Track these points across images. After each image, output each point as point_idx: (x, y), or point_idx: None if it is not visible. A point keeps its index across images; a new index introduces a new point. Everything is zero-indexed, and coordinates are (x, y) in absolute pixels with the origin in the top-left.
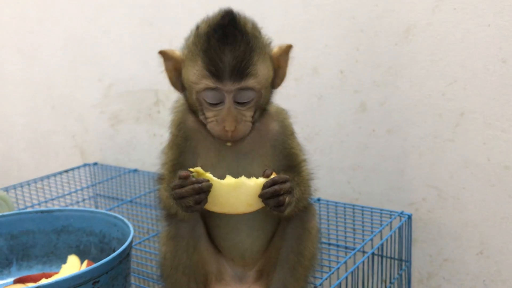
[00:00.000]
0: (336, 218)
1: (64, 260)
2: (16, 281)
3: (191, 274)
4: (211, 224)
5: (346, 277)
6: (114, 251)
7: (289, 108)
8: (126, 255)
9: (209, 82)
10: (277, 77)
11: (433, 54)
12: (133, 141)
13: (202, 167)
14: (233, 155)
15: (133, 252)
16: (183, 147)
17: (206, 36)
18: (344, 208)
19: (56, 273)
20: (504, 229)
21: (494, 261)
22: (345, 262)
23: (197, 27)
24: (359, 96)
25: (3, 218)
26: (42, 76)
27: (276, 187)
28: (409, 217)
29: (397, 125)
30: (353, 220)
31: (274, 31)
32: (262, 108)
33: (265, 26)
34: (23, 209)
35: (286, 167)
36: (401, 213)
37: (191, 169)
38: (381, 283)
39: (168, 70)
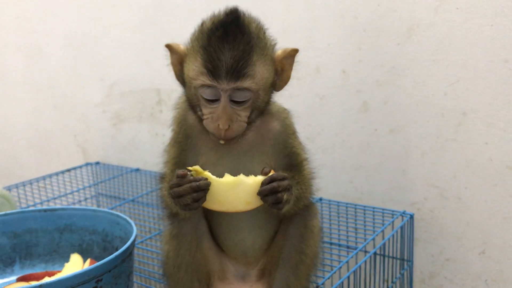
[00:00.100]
0: (338, 217)
1: (66, 259)
2: (19, 279)
3: (194, 273)
4: (214, 223)
5: (348, 277)
6: (116, 250)
7: (291, 108)
8: (129, 254)
9: (205, 79)
10: (280, 80)
11: (436, 54)
12: (135, 141)
13: (203, 165)
14: (233, 153)
15: (135, 251)
16: (184, 145)
17: (208, 33)
18: (346, 207)
19: (59, 271)
20: (506, 229)
21: (496, 260)
22: (347, 262)
23: (202, 24)
24: (362, 95)
25: (6, 217)
26: (44, 75)
27: (274, 184)
28: (411, 216)
29: (399, 125)
30: (355, 220)
31: (276, 30)
32: (259, 109)
33: (267, 26)
34: (25, 208)
35: (288, 166)
36: (403, 212)
37: (190, 168)
38: (383, 282)
39: (173, 63)
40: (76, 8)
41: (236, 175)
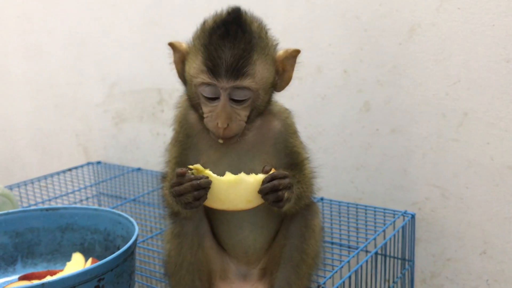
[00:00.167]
0: (340, 217)
1: (68, 258)
2: (21, 278)
3: (196, 272)
4: (215, 222)
5: (349, 277)
6: (118, 249)
7: (293, 108)
8: (131, 253)
9: (205, 77)
10: (281, 81)
11: (437, 54)
12: (136, 140)
13: (203, 165)
14: (234, 152)
15: (136, 250)
16: (185, 144)
17: (210, 32)
18: (348, 207)
19: (61, 270)
20: (508, 229)
21: (497, 260)
22: (348, 262)
23: (204, 22)
24: (363, 95)
25: (8, 216)
26: (46, 75)
27: (275, 182)
28: (413, 216)
29: (400, 125)
30: (356, 220)
31: (277, 30)
32: (259, 108)
33: (268, 25)
34: (27, 207)
35: (288, 165)
36: (405, 212)
37: (191, 166)
38: (384, 282)
39: (175, 62)
40: (78, 8)
41: (237, 174)
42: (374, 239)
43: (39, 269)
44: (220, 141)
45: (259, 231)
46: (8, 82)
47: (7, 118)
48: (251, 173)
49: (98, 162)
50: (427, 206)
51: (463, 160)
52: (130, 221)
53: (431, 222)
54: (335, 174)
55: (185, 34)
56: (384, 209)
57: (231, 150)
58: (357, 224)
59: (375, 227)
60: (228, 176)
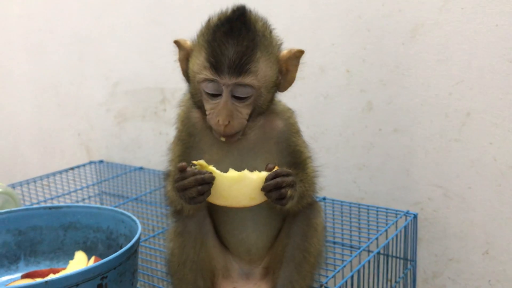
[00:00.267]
0: (342, 217)
1: (71, 256)
2: (24, 276)
3: (198, 271)
4: (218, 220)
5: (352, 276)
6: (121, 247)
7: (295, 107)
8: (134, 251)
9: (208, 73)
10: (284, 81)
11: (440, 54)
12: (138, 139)
13: (206, 163)
14: (237, 151)
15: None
16: (188, 143)
17: (214, 29)
18: (350, 207)
19: (63, 269)
20: (510, 229)
21: (500, 261)
22: (350, 261)
23: (209, 19)
24: (366, 95)
25: (11, 214)
26: (49, 74)
27: (278, 179)
28: (415, 216)
29: (403, 125)
30: (359, 219)
31: (280, 30)
32: (261, 107)
33: (271, 25)
34: (29, 205)
35: (291, 164)
36: (407, 212)
37: (195, 162)
38: (386, 282)
39: (180, 60)
40: (80, 7)
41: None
42: (376, 239)
43: (42, 267)
44: (222, 139)
45: (262, 230)
46: (11, 81)
47: (9, 117)
48: (254, 171)
49: (100, 161)
50: (429, 206)
51: (466, 160)
52: (133, 220)
53: (434, 222)
54: (337, 174)
55: (187, 34)
56: (387, 209)
57: (233, 149)
58: (359, 224)
59: (377, 227)
60: (232, 172)
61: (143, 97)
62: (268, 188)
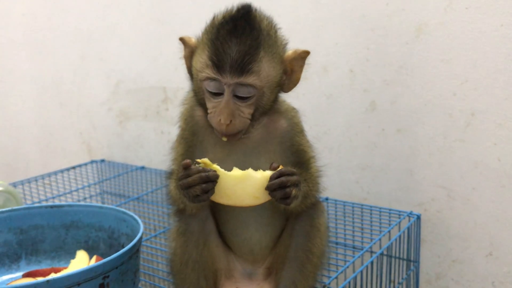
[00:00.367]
0: (344, 217)
1: (72, 255)
2: (25, 276)
3: (201, 270)
4: (221, 220)
5: (354, 277)
6: (123, 247)
7: (298, 107)
8: (136, 251)
9: (210, 72)
10: (289, 81)
11: (444, 54)
12: (140, 139)
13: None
14: (240, 150)
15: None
16: (191, 142)
17: (218, 27)
18: (353, 207)
19: (65, 268)
20: None
21: (504, 262)
22: (353, 262)
23: (213, 17)
24: (369, 95)
25: (12, 213)
26: (51, 72)
27: (283, 178)
28: (418, 217)
29: (407, 125)
30: (361, 220)
31: (284, 29)
32: (264, 107)
33: (277, 24)
34: (31, 204)
35: (295, 163)
36: (410, 213)
37: (199, 160)
38: (389, 283)
39: (185, 57)
40: (83, 6)
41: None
42: (379, 239)
43: (43, 266)
44: (224, 139)
45: (265, 230)
46: (13, 80)
47: (11, 115)
48: (259, 170)
49: (102, 160)
50: (433, 207)
51: (470, 160)
52: (135, 219)
53: (437, 223)
54: (340, 174)
55: (190, 33)
56: (390, 209)
57: (237, 148)
58: (362, 224)
59: (380, 227)
60: (236, 171)
61: (145, 96)
62: (273, 187)
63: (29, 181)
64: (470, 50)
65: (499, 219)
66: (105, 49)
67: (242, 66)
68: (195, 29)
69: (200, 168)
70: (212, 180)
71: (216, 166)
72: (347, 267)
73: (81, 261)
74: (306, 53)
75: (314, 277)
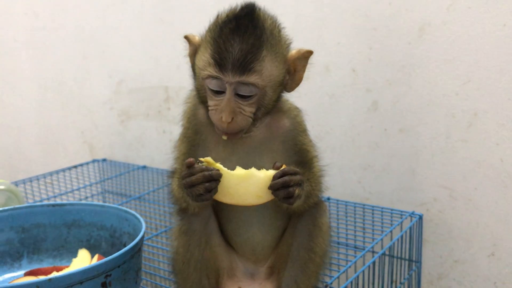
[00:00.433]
0: (346, 217)
1: (74, 254)
2: (27, 274)
3: (203, 270)
4: (223, 220)
5: (356, 277)
6: (125, 245)
7: (300, 106)
8: (138, 250)
9: (212, 70)
10: (292, 81)
11: (447, 54)
12: (142, 138)
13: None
14: (243, 149)
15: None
16: (193, 141)
17: (221, 25)
18: (354, 207)
19: (67, 266)
20: None
21: (506, 263)
22: (355, 262)
23: (217, 16)
24: (371, 95)
25: (14, 211)
26: (53, 71)
27: (286, 178)
28: (420, 217)
29: (409, 125)
30: (363, 220)
31: (286, 28)
32: (266, 107)
33: (281, 24)
34: (32, 203)
35: (297, 163)
36: (412, 213)
37: (202, 159)
38: (391, 283)
39: (189, 55)
40: (85, 5)
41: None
42: (381, 239)
43: (45, 265)
44: (224, 137)
45: (267, 230)
46: (15, 79)
47: (13, 114)
48: (262, 169)
49: (104, 160)
50: (435, 207)
51: (472, 161)
52: (137, 218)
53: (439, 223)
54: (342, 174)
55: (192, 32)
56: (392, 209)
57: (239, 147)
58: (364, 224)
59: (382, 227)
60: (239, 170)
61: (147, 96)
62: (276, 187)
63: (30, 180)
64: (472, 50)
65: (501, 219)
66: (107, 48)
67: (244, 65)
68: (197, 29)
69: (204, 167)
70: (215, 179)
71: (219, 165)
72: (349, 267)
73: (83, 260)
74: (309, 53)
75: (317, 276)
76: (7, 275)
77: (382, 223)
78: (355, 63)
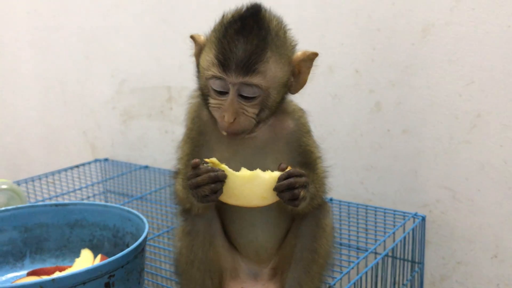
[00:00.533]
0: (349, 218)
1: (77, 254)
2: (30, 274)
3: (206, 270)
4: (227, 220)
5: (359, 279)
6: (127, 246)
7: (303, 107)
8: (141, 250)
9: (215, 71)
10: (296, 83)
11: (451, 54)
12: (144, 138)
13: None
14: (247, 150)
15: None
16: (197, 141)
17: (226, 25)
18: (357, 208)
19: (69, 266)
20: None
21: (509, 265)
22: (357, 264)
23: (223, 16)
24: (375, 95)
25: (17, 211)
26: (55, 71)
27: (291, 179)
28: (423, 218)
29: (412, 126)
30: (366, 221)
31: (289, 29)
32: (270, 108)
33: (286, 25)
34: (35, 203)
35: (301, 164)
36: (415, 214)
37: (207, 160)
38: (394, 285)
39: (195, 54)
40: (87, 5)
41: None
42: (384, 241)
43: (48, 265)
44: (224, 133)
45: (271, 231)
46: (17, 78)
47: (15, 114)
48: (267, 171)
49: (106, 159)
50: (437, 209)
51: (475, 162)
52: (140, 218)
53: (442, 225)
54: (345, 175)
55: (194, 32)
56: (394, 210)
57: (243, 148)
58: (366, 225)
59: (384, 229)
60: (244, 171)
61: (149, 96)
62: (281, 188)
63: (33, 179)
64: (476, 51)
65: (504, 221)
66: (109, 48)
67: (248, 66)
68: (199, 29)
69: (209, 167)
70: (221, 180)
71: (224, 166)
72: (352, 268)
73: (85, 260)
74: (314, 55)
75: (320, 277)
76: (10, 275)
77: (385, 224)
78: (358, 64)
